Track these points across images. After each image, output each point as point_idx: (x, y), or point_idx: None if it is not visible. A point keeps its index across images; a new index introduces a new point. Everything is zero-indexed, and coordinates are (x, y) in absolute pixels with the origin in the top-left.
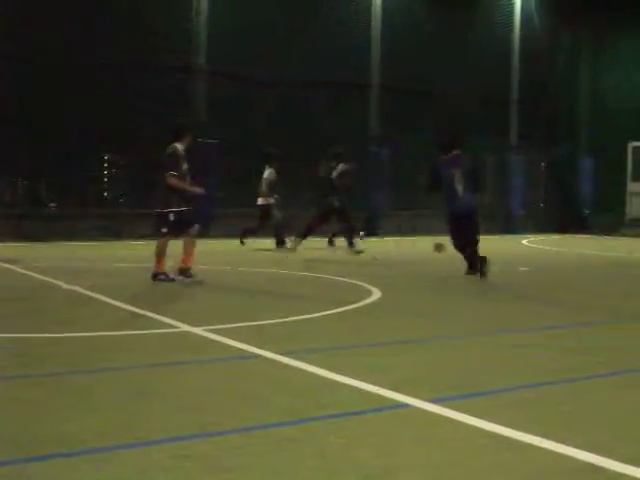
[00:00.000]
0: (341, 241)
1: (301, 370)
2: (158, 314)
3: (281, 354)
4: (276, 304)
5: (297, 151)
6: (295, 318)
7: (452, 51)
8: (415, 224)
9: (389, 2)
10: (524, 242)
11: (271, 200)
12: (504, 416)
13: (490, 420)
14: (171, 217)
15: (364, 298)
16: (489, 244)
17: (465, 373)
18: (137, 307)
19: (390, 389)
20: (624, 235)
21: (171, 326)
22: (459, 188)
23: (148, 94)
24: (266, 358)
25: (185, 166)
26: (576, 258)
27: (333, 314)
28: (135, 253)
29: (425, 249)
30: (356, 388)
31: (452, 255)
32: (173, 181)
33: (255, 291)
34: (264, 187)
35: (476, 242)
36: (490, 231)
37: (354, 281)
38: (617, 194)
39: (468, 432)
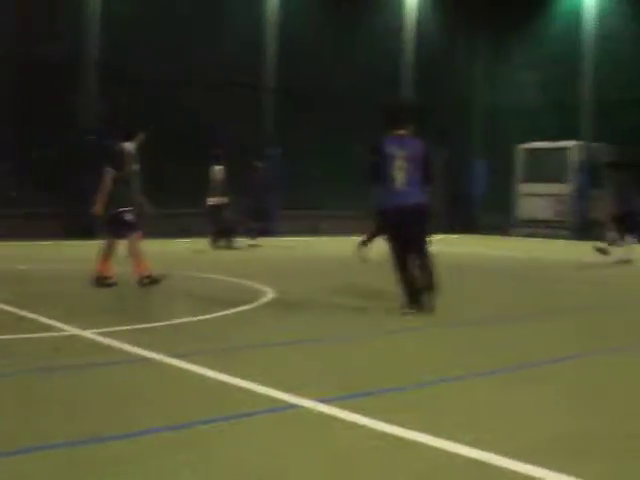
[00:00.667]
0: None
1: (190, 372)
2: (44, 317)
3: (171, 356)
4: (170, 306)
5: (183, 152)
6: (187, 320)
7: (346, 53)
8: (310, 225)
9: (284, 4)
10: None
11: (224, 200)
12: (394, 415)
13: (380, 419)
14: (125, 217)
15: (258, 299)
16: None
17: (355, 373)
18: (21, 309)
19: (280, 390)
20: (513, 235)
21: (58, 329)
22: (398, 177)
23: None
24: (155, 361)
25: (135, 167)
26: (468, 257)
27: (226, 315)
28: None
29: (321, 249)
30: (246, 389)
31: (347, 255)
32: (107, 179)
33: (152, 293)
34: (216, 187)
35: (425, 259)
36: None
37: (248, 282)
38: (508, 195)
39: (358, 432)
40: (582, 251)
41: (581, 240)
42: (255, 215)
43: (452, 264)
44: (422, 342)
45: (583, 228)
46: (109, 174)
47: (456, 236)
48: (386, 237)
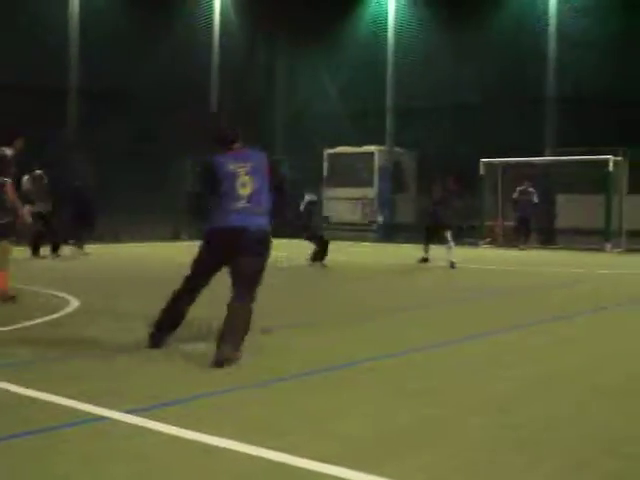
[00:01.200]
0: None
1: None
2: None
3: None
4: None
5: None
6: None
7: (150, 53)
8: (117, 231)
9: (86, 4)
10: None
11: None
12: (201, 423)
13: (188, 428)
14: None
15: (62, 308)
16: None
17: (162, 381)
18: None
19: (86, 402)
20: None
21: None
22: (240, 195)
23: None
24: None
25: (12, 170)
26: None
27: (26, 327)
28: None
29: (126, 256)
30: (50, 402)
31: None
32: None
33: None
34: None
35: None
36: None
37: (51, 291)
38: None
39: (166, 441)
40: (388, 253)
41: (387, 242)
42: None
43: None
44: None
45: (388, 230)
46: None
47: None
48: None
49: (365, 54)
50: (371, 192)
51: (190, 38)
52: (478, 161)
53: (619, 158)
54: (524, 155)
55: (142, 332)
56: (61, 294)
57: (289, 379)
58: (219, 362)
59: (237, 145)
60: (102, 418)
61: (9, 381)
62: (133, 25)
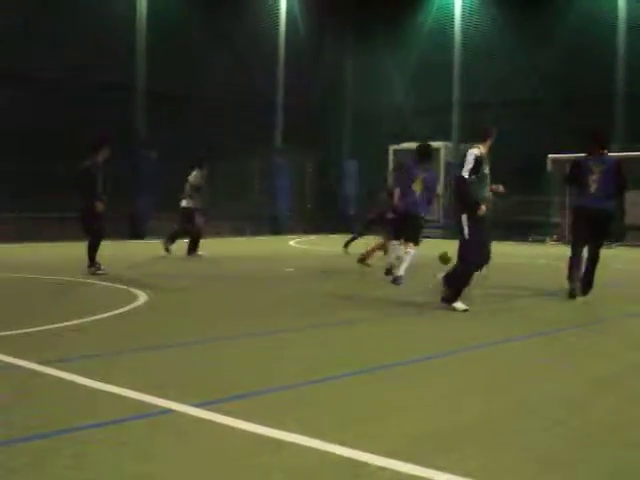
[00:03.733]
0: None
1: (60, 379)
2: None
3: (40, 363)
4: (43, 311)
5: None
6: (58, 325)
7: (218, 54)
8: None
9: (153, 4)
10: (292, 243)
11: (195, 204)
12: (268, 417)
13: (254, 422)
14: None
15: (130, 302)
16: (257, 245)
17: (229, 375)
18: None
19: (154, 395)
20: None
21: None
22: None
23: None
24: (23, 368)
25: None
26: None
27: (98, 320)
28: None
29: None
30: (118, 395)
31: (216, 257)
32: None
33: (23, 297)
34: (189, 190)
35: None
36: (259, 232)
37: (119, 285)
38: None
39: (232, 435)
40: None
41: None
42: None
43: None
44: (292, 343)
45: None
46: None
47: (324, 237)
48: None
49: (432, 48)
50: (439, 188)
51: (256, 37)
52: (546, 157)
53: None
54: None
55: (213, 329)
56: (128, 288)
57: (346, 375)
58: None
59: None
60: (168, 410)
61: (76, 373)
62: (198, 25)
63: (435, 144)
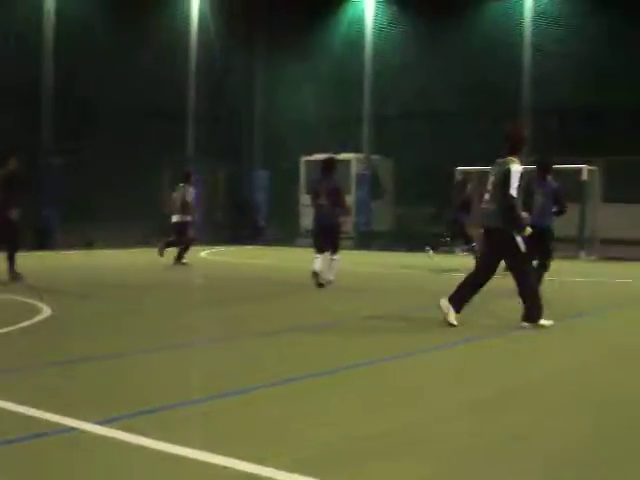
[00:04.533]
0: None
1: None
2: None
3: None
4: None
5: None
6: None
7: (128, 62)
8: (92, 237)
9: (62, 9)
10: (203, 254)
11: (188, 218)
12: (172, 433)
13: (158, 438)
14: None
15: (32, 316)
16: (166, 256)
17: (134, 391)
18: None
19: (56, 412)
20: (298, 246)
21: None
22: None
23: None
24: None
25: None
26: (249, 268)
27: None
28: None
29: (102, 262)
30: (19, 413)
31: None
32: None
33: None
34: (179, 204)
35: None
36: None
37: (20, 298)
38: (291, 206)
39: (134, 452)
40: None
41: (363, 250)
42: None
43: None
44: (189, 358)
45: (365, 238)
46: None
47: (235, 248)
48: None
49: (344, 60)
50: (349, 200)
51: (167, 47)
52: (453, 169)
53: (593, 168)
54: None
55: (117, 343)
56: (30, 301)
57: (260, 388)
58: None
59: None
60: (70, 429)
61: None
62: (107, 30)
63: (346, 156)
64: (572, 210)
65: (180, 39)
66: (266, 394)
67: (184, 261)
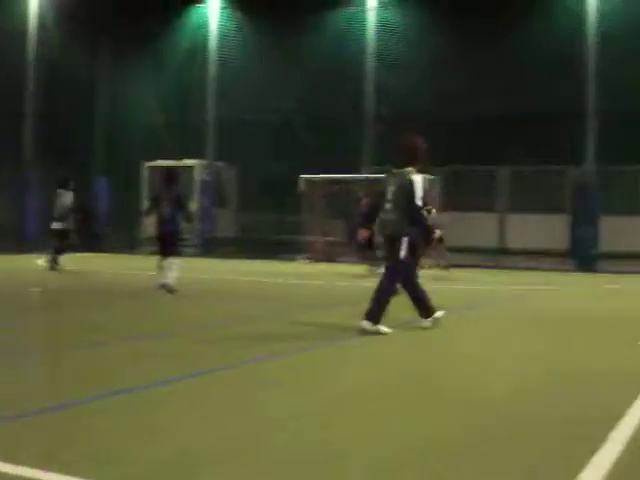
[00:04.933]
0: None
1: None
2: None
3: None
4: None
5: None
6: None
7: None
8: None
9: None
10: (39, 262)
11: (68, 225)
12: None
13: None
14: None
15: None
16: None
17: None
18: None
19: None
20: (140, 253)
21: None
22: None
23: None
24: None
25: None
26: (91, 276)
27: None
28: None
29: None
30: None
31: None
32: None
33: None
34: (61, 211)
35: None
36: (4, 251)
37: None
38: (133, 213)
39: None
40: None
41: (207, 257)
42: None
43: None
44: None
45: (209, 245)
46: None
47: (79, 255)
48: None
49: (187, 66)
50: (191, 206)
51: (4, 44)
52: (298, 177)
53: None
54: (343, 172)
55: None
56: None
57: (87, 402)
58: None
59: None
60: None
61: None
62: None
63: (189, 162)
64: None
65: (18, 38)
66: (91, 408)
67: (57, 266)
